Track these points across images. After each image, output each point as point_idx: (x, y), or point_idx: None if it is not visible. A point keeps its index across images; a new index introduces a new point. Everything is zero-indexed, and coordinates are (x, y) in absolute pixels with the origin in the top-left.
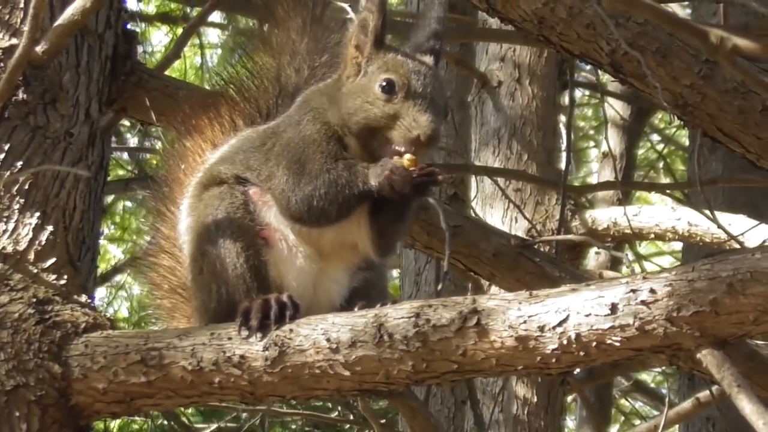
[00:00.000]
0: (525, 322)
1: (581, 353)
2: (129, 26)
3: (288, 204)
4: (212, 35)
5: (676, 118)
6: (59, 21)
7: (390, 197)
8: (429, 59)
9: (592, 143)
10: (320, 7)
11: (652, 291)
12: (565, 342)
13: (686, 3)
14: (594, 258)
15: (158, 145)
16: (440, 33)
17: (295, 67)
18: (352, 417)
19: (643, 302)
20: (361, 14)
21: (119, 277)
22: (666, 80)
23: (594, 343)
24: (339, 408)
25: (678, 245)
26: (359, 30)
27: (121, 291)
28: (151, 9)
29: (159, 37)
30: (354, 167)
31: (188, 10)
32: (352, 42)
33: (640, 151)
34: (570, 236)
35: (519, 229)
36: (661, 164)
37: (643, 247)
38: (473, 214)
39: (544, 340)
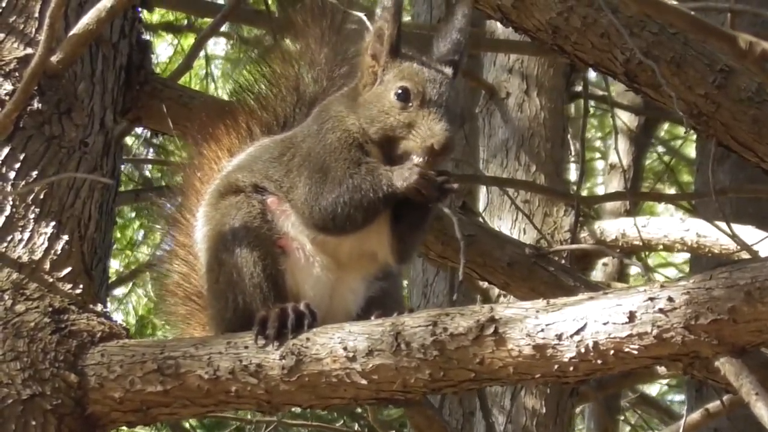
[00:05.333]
0: (542, 330)
1: (599, 361)
2: (143, 36)
3: (311, 214)
4: (217, 46)
5: (689, 128)
6: (74, 30)
7: (416, 201)
8: (448, 70)
9: (597, 154)
10: (339, 18)
11: (670, 299)
12: (582, 350)
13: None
14: (602, 269)
15: (163, 155)
16: (462, 45)
17: (314, 76)
18: (357, 427)
19: (661, 310)
20: (376, 23)
21: (121, 289)
22: (680, 90)
23: (612, 352)
24: (344, 418)
25: (682, 256)
26: (375, 39)
27: (127, 300)
28: (155, 18)
29: (163, 46)
30: (377, 170)
31: (192, 18)
32: (368, 51)
33: (647, 162)
34: (585, 245)
35: (528, 240)
36: (666, 176)
37: (650, 259)
38: None
39: (561, 349)
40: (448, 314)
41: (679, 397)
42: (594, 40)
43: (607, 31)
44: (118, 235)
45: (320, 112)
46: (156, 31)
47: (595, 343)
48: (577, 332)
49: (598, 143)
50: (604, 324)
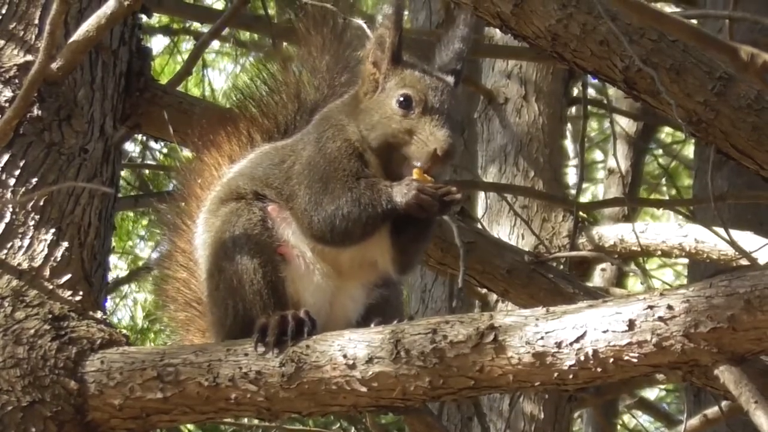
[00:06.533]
0: (542, 338)
1: (598, 369)
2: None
3: (310, 224)
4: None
5: (688, 135)
6: (74, 37)
7: (416, 216)
8: (450, 79)
9: (596, 159)
10: (341, 26)
11: (670, 307)
12: (582, 358)
13: (695, 21)
14: (600, 275)
15: (162, 161)
16: (464, 54)
17: (315, 84)
18: (354, 431)
19: (660, 318)
20: (377, 31)
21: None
22: (680, 97)
23: (611, 360)
24: (341, 421)
25: (681, 260)
26: (376, 47)
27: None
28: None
29: (158, 48)
30: (376, 186)
31: (189, 23)
32: (369, 59)
33: (646, 167)
34: (584, 252)
35: (526, 246)
36: (663, 180)
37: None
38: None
39: (561, 357)
40: (448, 322)
41: (678, 402)
42: (593, 47)
43: (606, 39)
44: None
45: (321, 120)
46: (153, 34)
47: (595, 351)
48: (577, 340)
49: (596, 148)
50: (604, 332)
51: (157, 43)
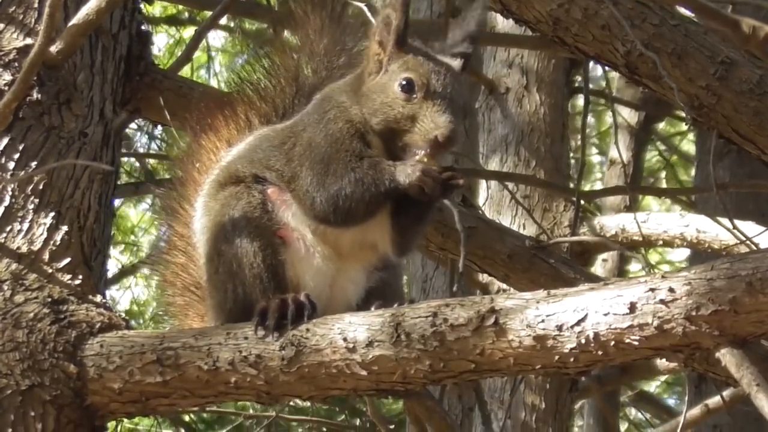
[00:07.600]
0: (543, 321)
1: (599, 352)
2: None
3: (313, 205)
4: (216, 41)
5: (690, 120)
6: (74, 21)
7: (418, 198)
8: (458, 62)
9: (596, 150)
10: (339, 8)
11: (671, 290)
12: (583, 341)
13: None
14: (601, 265)
15: (164, 147)
16: (476, 36)
17: (313, 67)
18: (358, 422)
19: (662, 301)
20: (384, 10)
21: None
22: (682, 81)
23: (612, 342)
24: (345, 413)
25: (681, 255)
26: (382, 27)
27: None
28: (156, 11)
29: (162, 39)
30: (379, 165)
31: (193, 12)
32: (375, 38)
33: (647, 157)
34: (585, 237)
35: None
36: (663, 174)
37: (648, 256)
38: None
39: (562, 339)
40: (449, 305)
41: (678, 396)
42: (595, 31)
43: (608, 23)
44: None
45: (322, 100)
46: (157, 24)
47: (596, 334)
48: (578, 323)
49: (596, 139)
50: (605, 315)
51: (161, 40)
